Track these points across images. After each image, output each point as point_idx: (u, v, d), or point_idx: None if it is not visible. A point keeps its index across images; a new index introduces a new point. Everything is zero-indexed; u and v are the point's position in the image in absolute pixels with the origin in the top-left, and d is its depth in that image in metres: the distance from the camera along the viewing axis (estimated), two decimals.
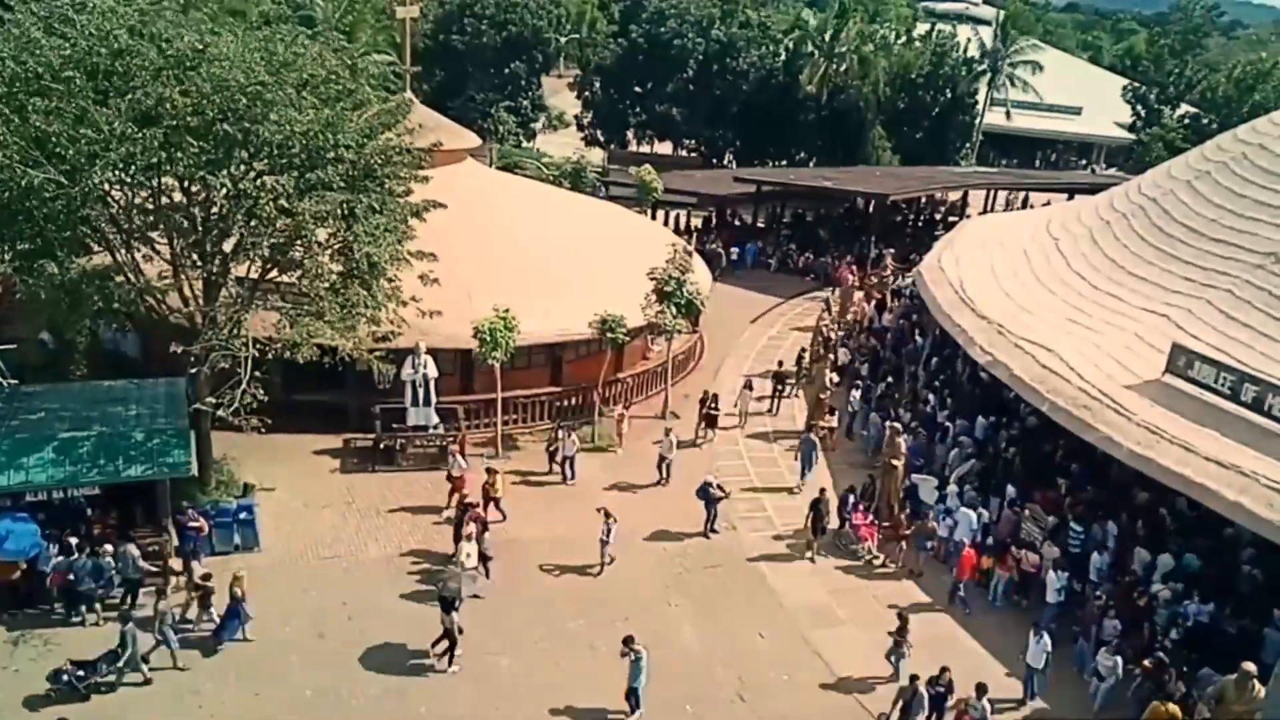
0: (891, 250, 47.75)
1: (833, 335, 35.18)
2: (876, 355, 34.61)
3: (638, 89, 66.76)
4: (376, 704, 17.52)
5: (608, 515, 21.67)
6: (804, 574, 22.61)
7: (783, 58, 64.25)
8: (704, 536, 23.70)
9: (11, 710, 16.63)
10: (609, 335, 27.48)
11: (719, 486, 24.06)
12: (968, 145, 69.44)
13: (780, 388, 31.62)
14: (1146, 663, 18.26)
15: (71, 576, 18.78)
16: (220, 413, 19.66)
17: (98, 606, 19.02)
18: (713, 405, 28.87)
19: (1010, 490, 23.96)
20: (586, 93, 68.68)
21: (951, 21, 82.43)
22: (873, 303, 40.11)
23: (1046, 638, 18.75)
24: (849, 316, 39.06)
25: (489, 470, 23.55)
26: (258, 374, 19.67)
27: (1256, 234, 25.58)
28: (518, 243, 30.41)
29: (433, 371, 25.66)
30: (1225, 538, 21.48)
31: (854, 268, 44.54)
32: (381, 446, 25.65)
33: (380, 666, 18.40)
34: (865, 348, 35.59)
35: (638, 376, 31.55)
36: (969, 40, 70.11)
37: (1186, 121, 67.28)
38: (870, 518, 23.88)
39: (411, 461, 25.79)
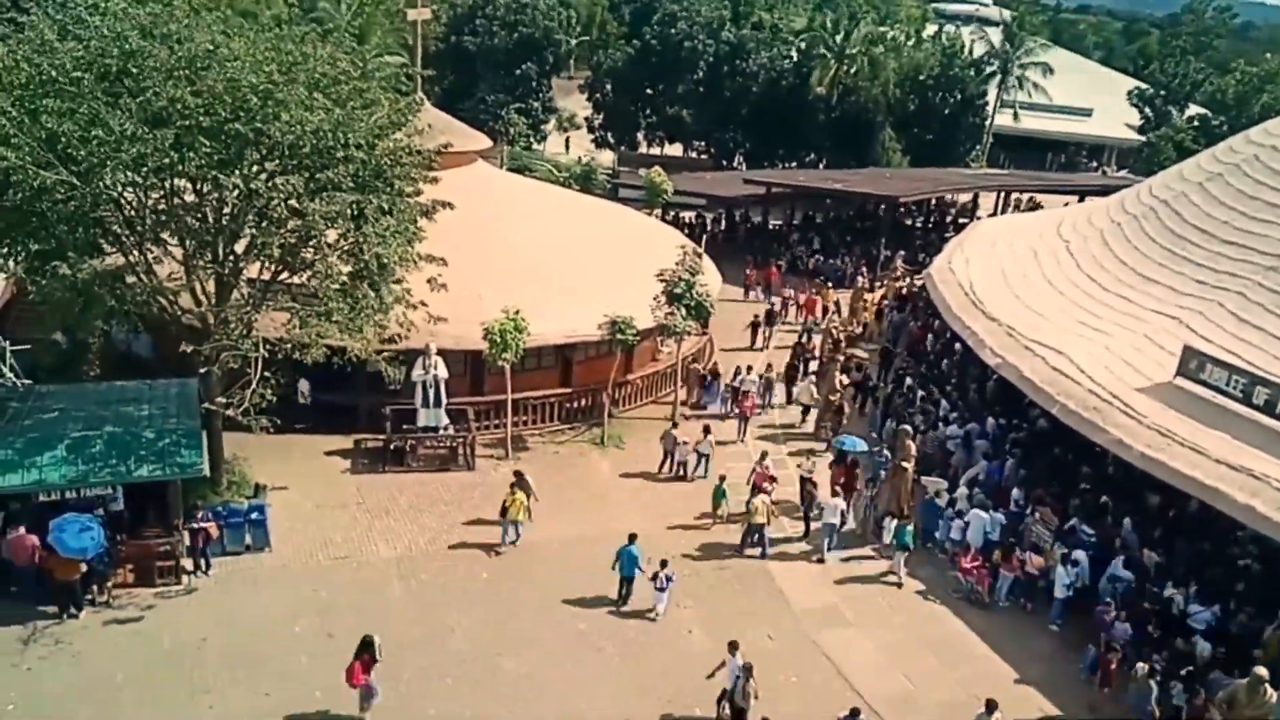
0: (902, 252, 47.78)
1: (842, 337, 35.15)
2: (888, 356, 34.58)
3: (648, 91, 66.74)
4: (385, 705, 17.51)
5: None
6: (812, 576, 22.58)
7: (793, 59, 64.19)
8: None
9: (23, 709, 16.72)
10: (619, 337, 27.49)
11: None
12: (978, 147, 69.31)
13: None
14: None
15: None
16: (231, 413, 19.74)
17: (109, 587, 19.48)
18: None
19: (1015, 492, 23.96)
20: (597, 94, 68.75)
21: (961, 23, 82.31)
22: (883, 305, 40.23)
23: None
24: (859, 318, 39.11)
25: None
26: (266, 375, 19.73)
27: (1269, 236, 25.48)
28: (527, 244, 30.44)
29: (443, 372, 25.69)
30: (1234, 539, 21.44)
31: (864, 269, 44.61)
32: (392, 447, 25.73)
33: (389, 667, 18.33)
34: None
35: (647, 378, 31.58)
36: (975, 40, 69.96)
37: (1196, 123, 66.99)
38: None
39: (421, 462, 25.85)
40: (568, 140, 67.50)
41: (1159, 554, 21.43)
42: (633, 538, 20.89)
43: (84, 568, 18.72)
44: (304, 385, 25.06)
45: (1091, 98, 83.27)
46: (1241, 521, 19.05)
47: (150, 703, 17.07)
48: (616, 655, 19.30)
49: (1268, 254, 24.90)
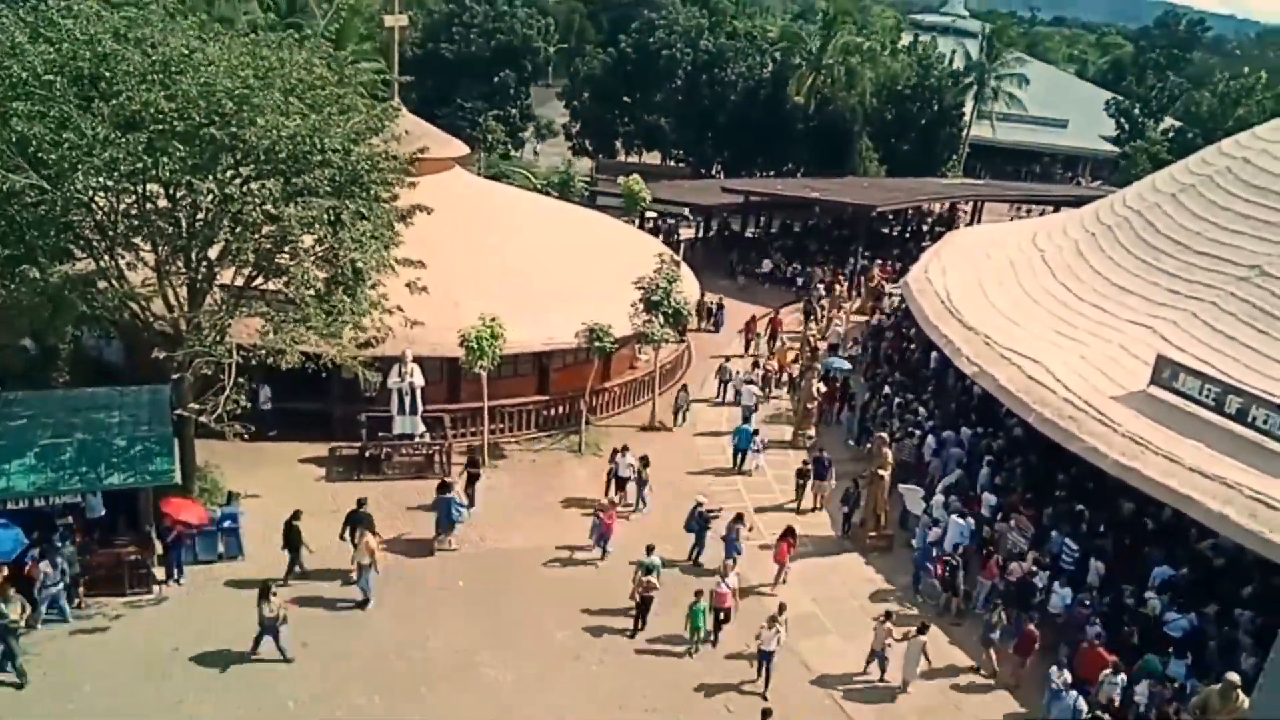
0: (879, 260, 48.03)
1: (820, 345, 35.24)
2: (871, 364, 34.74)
3: (626, 99, 66.90)
4: (360, 714, 17.37)
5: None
6: (790, 584, 22.53)
7: (770, 69, 64.47)
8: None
9: None
10: (596, 344, 27.43)
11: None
12: (954, 157, 69.86)
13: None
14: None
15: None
16: (204, 419, 19.51)
17: (79, 594, 19.18)
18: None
19: (991, 499, 24.06)
20: (575, 102, 68.74)
21: (938, 34, 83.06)
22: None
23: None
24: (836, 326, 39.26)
25: None
26: (240, 381, 19.51)
27: (1241, 247, 25.78)
28: (505, 251, 30.34)
29: (419, 380, 25.54)
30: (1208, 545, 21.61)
31: (841, 278, 44.78)
32: (367, 455, 25.53)
33: (364, 676, 18.25)
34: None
35: (625, 386, 31.53)
36: (954, 52, 70.59)
37: (1171, 135, 67.76)
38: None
39: (397, 470, 25.67)
40: (536, 141, 67.57)
41: (1130, 561, 21.58)
42: (747, 419, 27.95)
43: (4, 572, 18.04)
44: (265, 391, 24.79)
45: (1067, 109, 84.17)
46: (1214, 529, 19.22)
47: (119, 712, 16.80)
48: (594, 663, 19.19)
49: (1239, 264, 25.18)
